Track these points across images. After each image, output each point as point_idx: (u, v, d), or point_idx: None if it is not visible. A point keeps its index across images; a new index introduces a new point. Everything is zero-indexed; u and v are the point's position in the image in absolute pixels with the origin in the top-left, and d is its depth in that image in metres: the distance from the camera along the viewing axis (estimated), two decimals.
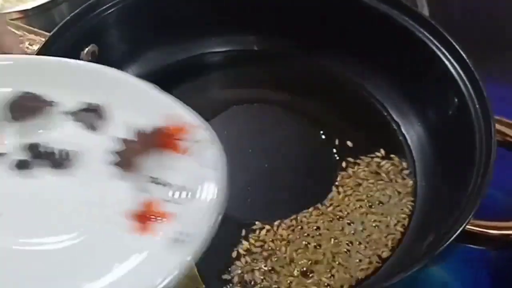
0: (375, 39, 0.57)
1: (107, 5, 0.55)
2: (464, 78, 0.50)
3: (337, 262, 0.47)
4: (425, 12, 0.66)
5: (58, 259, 0.31)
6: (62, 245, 0.32)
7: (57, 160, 0.35)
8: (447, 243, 0.40)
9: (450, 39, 0.52)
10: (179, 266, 0.30)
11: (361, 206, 0.51)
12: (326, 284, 0.46)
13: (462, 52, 0.51)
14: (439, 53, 0.52)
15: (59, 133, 0.36)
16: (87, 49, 0.54)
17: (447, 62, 0.52)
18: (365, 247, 0.48)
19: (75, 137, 0.36)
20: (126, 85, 0.38)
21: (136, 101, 0.36)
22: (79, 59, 0.53)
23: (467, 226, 0.42)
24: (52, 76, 0.37)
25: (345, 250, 0.48)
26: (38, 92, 0.36)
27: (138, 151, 0.34)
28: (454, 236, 0.40)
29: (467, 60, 0.50)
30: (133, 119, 0.36)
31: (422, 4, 0.67)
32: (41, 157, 0.35)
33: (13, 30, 0.54)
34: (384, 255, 0.48)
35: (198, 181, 0.33)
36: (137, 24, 0.57)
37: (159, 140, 0.35)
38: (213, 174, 0.33)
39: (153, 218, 0.32)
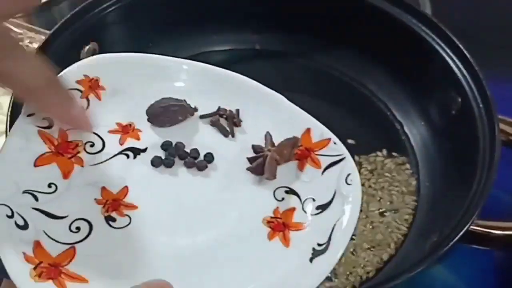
0: (377, 38, 0.56)
1: (107, 4, 0.54)
2: (468, 77, 0.50)
3: (340, 263, 0.47)
4: (428, 11, 0.66)
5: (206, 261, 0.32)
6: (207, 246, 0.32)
7: (197, 162, 0.36)
8: (451, 243, 0.39)
9: (453, 38, 0.52)
10: (320, 277, 0.30)
11: (364, 206, 0.50)
12: (329, 285, 0.46)
13: (465, 51, 0.51)
14: (442, 52, 0.52)
15: (198, 137, 0.37)
16: (87, 47, 0.54)
17: (450, 61, 0.51)
18: (368, 247, 0.48)
19: (212, 141, 0.37)
20: (263, 94, 0.38)
21: (272, 111, 0.37)
22: (79, 57, 0.53)
23: (471, 227, 0.41)
24: (196, 81, 0.38)
25: (348, 250, 0.48)
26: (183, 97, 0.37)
27: (273, 160, 0.35)
28: (458, 236, 0.40)
29: (471, 59, 0.50)
30: (269, 127, 0.37)
31: (424, 3, 0.67)
32: (182, 157, 0.36)
33: (13, 28, 0.53)
34: (388, 255, 0.48)
35: (332, 195, 0.34)
36: (137, 22, 0.57)
37: (295, 151, 0.35)
38: (348, 189, 0.34)
39: (290, 228, 0.33)
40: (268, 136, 0.36)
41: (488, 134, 0.46)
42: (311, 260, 0.31)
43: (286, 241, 0.32)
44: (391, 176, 0.52)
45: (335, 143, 0.36)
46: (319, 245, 0.31)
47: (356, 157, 0.53)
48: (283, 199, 0.34)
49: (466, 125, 0.49)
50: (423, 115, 0.55)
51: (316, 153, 0.35)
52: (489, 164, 0.44)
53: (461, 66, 0.50)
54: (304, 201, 0.34)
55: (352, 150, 0.52)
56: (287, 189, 0.34)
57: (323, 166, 0.35)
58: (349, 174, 0.34)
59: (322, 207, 0.33)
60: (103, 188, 0.34)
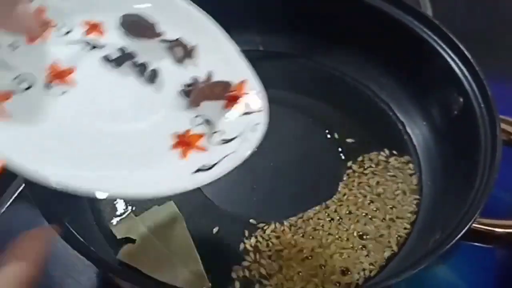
0: (379, 39, 0.57)
1: None
2: (469, 77, 0.51)
3: (343, 261, 0.47)
4: (429, 12, 0.67)
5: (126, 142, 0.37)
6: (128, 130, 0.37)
7: (143, 72, 0.39)
8: (454, 240, 0.40)
9: (454, 39, 0.52)
10: (193, 184, 0.35)
11: (367, 205, 0.51)
12: (333, 282, 0.46)
13: (466, 52, 0.51)
14: (443, 52, 0.53)
15: (153, 55, 0.41)
16: None
17: (451, 62, 0.52)
18: (371, 245, 0.48)
19: (163, 63, 0.40)
20: (219, 39, 0.43)
21: (224, 58, 0.41)
22: None
23: (474, 225, 0.42)
24: (168, 11, 0.42)
25: (351, 248, 0.48)
26: (154, 21, 0.41)
27: (205, 94, 0.39)
28: (461, 234, 0.40)
29: (471, 60, 0.51)
30: (212, 68, 0.41)
31: (425, 4, 0.68)
32: (133, 64, 0.40)
33: None
34: (390, 253, 0.48)
35: (237, 134, 0.39)
36: None
37: (225, 92, 0.40)
38: (251, 134, 0.39)
39: (192, 147, 0.37)
40: (209, 74, 0.40)
41: (490, 133, 0.47)
42: (193, 173, 0.36)
43: (184, 155, 0.36)
44: (394, 175, 0.53)
45: (259, 97, 0.40)
46: (205, 166, 0.36)
47: (359, 157, 0.54)
48: (198, 125, 0.38)
49: (467, 125, 0.49)
50: (425, 115, 0.56)
51: (242, 100, 0.40)
52: (491, 163, 0.45)
53: (462, 67, 0.51)
54: (214, 132, 0.38)
55: (355, 149, 0.54)
56: (205, 119, 0.39)
57: (242, 111, 0.39)
58: (258, 124, 0.39)
59: (225, 141, 0.38)
60: (54, 61, 0.38)
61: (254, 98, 0.40)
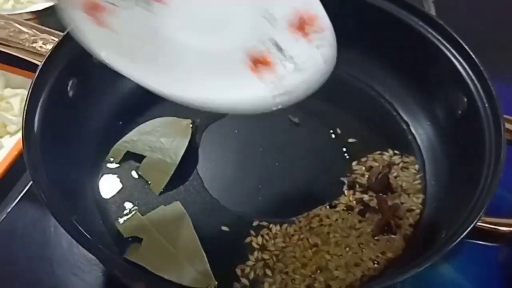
0: (383, 39, 0.57)
1: None
2: (473, 77, 0.51)
3: (348, 260, 0.48)
4: (432, 12, 0.67)
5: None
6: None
7: None
8: (459, 239, 0.40)
9: (459, 39, 0.52)
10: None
11: (371, 203, 0.51)
12: (337, 278, 0.47)
13: (470, 51, 0.51)
14: (447, 52, 0.53)
15: None
16: None
17: (455, 62, 0.52)
18: (376, 244, 0.49)
19: None
20: None
21: None
22: (91, 58, 0.54)
23: (478, 223, 0.42)
24: None
25: (356, 247, 0.48)
26: None
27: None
28: (466, 232, 0.40)
29: (476, 60, 0.51)
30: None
31: (429, 5, 0.68)
32: None
33: (26, 29, 0.54)
34: (395, 252, 0.48)
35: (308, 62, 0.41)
36: None
37: (298, 22, 0.43)
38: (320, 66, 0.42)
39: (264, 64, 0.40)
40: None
41: (494, 133, 0.47)
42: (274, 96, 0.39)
43: (258, 72, 0.39)
44: (398, 175, 0.53)
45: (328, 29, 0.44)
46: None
47: (364, 157, 0.54)
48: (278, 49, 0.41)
49: (472, 125, 0.49)
50: (429, 115, 0.56)
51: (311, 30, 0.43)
52: (495, 163, 0.45)
53: (466, 67, 0.51)
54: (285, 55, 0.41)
55: (359, 149, 0.55)
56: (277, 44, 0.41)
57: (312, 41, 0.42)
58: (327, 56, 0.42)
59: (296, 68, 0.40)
60: None
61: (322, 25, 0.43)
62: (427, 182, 0.53)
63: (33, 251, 0.52)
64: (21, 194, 0.55)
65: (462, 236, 0.40)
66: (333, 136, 0.56)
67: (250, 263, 0.48)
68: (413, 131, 0.57)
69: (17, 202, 0.55)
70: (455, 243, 0.40)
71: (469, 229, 0.40)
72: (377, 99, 0.59)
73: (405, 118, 0.57)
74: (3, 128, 0.60)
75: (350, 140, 0.56)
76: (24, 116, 0.47)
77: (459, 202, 0.45)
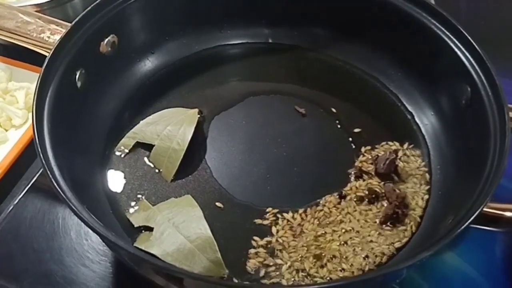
0: (387, 31, 0.58)
1: None
2: (476, 66, 0.51)
3: (356, 248, 0.48)
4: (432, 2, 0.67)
5: None
6: None
7: None
8: (467, 223, 0.40)
9: (461, 28, 0.53)
10: None
11: (378, 193, 0.51)
12: (345, 266, 0.47)
13: (473, 42, 0.52)
14: (450, 43, 0.53)
15: None
16: (107, 39, 0.55)
17: (459, 52, 0.53)
18: (383, 232, 0.49)
19: None
20: None
21: None
22: (99, 49, 0.54)
23: (484, 209, 0.42)
24: None
25: (366, 235, 0.49)
26: None
27: None
28: (474, 216, 0.41)
29: (479, 49, 0.51)
30: None
31: None
32: None
33: (33, 20, 0.54)
34: (402, 239, 0.49)
35: None
36: (155, 16, 0.59)
37: None
38: None
39: None
40: None
41: (498, 122, 0.47)
42: None
43: None
44: (404, 164, 0.54)
45: None
46: None
47: (370, 147, 0.55)
48: None
49: (476, 115, 0.50)
50: (434, 105, 0.56)
51: None
52: (500, 152, 0.45)
53: (469, 57, 0.52)
54: None
55: (365, 140, 0.55)
56: None
57: None
58: None
59: None
60: None
61: None
62: (432, 171, 0.53)
63: (41, 242, 0.52)
64: (28, 186, 0.56)
65: (469, 221, 0.41)
66: (338, 126, 0.57)
67: (260, 250, 0.48)
68: (417, 121, 0.57)
69: (24, 194, 0.55)
70: (462, 227, 0.40)
71: (476, 213, 0.41)
72: (381, 90, 0.60)
73: (410, 108, 0.58)
74: (9, 121, 0.60)
75: (356, 130, 0.56)
76: (34, 106, 0.47)
77: (465, 189, 0.46)
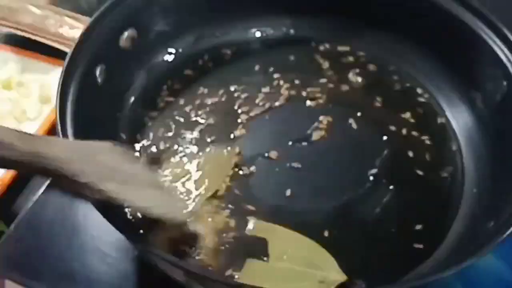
0: (419, 24, 0.56)
1: None
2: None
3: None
4: None
5: None
6: None
7: None
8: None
9: (496, 21, 0.51)
10: None
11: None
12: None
13: (508, 34, 0.50)
14: (485, 37, 0.52)
15: None
16: (126, 33, 0.54)
17: (494, 46, 0.51)
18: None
19: None
20: None
21: None
22: (118, 44, 0.53)
23: None
24: None
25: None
26: None
27: None
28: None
29: None
30: None
31: None
32: None
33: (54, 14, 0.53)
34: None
35: None
36: (175, 10, 0.58)
37: None
38: None
39: None
40: None
41: None
42: None
43: None
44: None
45: None
46: None
47: (401, 143, 0.54)
48: None
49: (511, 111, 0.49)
50: (468, 100, 0.55)
51: None
52: None
53: (506, 51, 0.50)
54: None
55: (397, 136, 0.54)
56: None
57: None
58: None
59: None
60: None
61: None
62: (465, 170, 0.52)
63: (62, 240, 0.51)
64: (47, 182, 0.55)
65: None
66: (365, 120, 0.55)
67: None
68: (449, 116, 0.56)
69: (44, 191, 0.54)
70: (507, 233, 0.39)
71: None
72: (412, 84, 0.58)
73: (441, 103, 0.56)
74: (23, 114, 0.59)
75: (387, 126, 0.55)
76: (58, 104, 0.46)
77: (503, 190, 0.45)
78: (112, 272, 0.49)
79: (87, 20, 0.52)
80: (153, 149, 0.53)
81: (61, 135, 0.44)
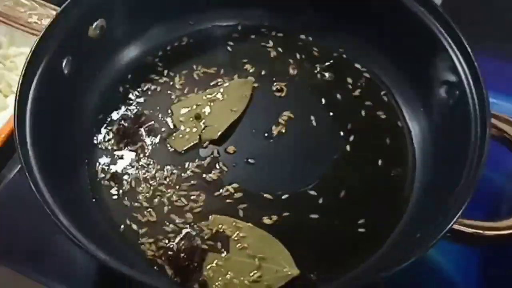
0: (379, 22, 0.57)
1: None
2: (465, 68, 0.51)
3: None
4: None
5: None
6: None
7: None
8: (435, 241, 0.41)
9: (457, 30, 0.52)
10: None
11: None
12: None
13: (463, 39, 0.51)
14: (442, 39, 0.52)
15: None
16: (95, 23, 0.54)
17: (451, 53, 0.52)
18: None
19: None
20: None
21: None
22: (87, 34, 0.54)
23: (455, 226, 0.43)
24: None
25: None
26: None
27: None
28: (441, 234, 0.41)
29: (472, 55, 0.50)
30: None
31: None
32: None
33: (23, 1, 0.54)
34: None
35: None
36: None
37: None
38: None
39: None
40: None
41: (480, 130, 0.47)
42: None
43: None
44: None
45: None
46: None
47: (357, 140, 0.55)
48: None
49: (460, 119, 0.49)
50: (424, 99, 0.55)
51: None
52: (478, 160, 0.45)
53: (460, 57, 0.51)
54: None
55: (353, 130, 0.55)
56: None
57: None
58: None
59: None
60: None
61: None
62: (417, 169, 0.53)
63: (34, 219, 0.52)
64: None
65: (438, 238, 0.41)
66: (331, 114, 0.57)
67: None
68: (406, 118, 0.57)
69: (19, 169, 0.55)
70: (430, 246, 0.41)
71: (443, 232, 0.41)
72: (374, 81, 0.59)
73: (401, 106, 0.57)
74: (9, 87, 0.60)
75: (346, 122, 0.56)
76: (17, 96, 0.46)
77: (439, 198, 0.46)
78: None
79: (57, 9, 0.52)
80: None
81: (16, 123, 0.45)
